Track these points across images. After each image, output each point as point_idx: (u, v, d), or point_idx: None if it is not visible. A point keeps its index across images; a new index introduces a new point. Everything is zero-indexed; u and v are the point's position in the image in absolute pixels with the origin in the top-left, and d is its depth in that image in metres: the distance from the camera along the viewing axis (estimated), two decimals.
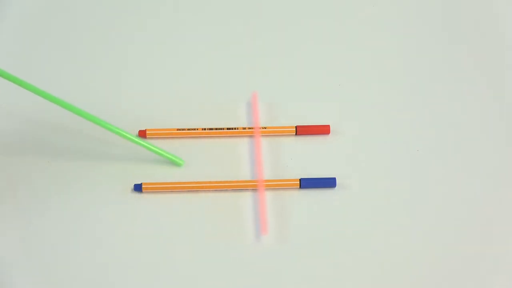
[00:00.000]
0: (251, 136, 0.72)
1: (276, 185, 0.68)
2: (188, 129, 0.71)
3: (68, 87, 0.74)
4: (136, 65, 0.76)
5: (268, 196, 0.68)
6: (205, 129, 0.71)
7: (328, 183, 0.68)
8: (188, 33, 0.79)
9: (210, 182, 0.68)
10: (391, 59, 0.77)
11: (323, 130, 0.71)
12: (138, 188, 0.68)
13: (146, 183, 0.68)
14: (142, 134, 0.71)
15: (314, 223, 0.67)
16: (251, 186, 0.68)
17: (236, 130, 0.71)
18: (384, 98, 0.74)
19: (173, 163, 0.70)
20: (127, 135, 0.67)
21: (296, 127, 0.72)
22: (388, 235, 0.66)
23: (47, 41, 0.78)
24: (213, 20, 0.80)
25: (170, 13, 0.80)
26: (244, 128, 0.71)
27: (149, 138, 0.71)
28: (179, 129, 0.71)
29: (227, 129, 0.71)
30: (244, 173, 0.69)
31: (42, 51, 0.77)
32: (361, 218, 0.67)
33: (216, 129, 0.71)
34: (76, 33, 0.79)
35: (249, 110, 0.73)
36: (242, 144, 0.71)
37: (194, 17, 0.80)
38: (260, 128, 0.71)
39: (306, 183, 0.68)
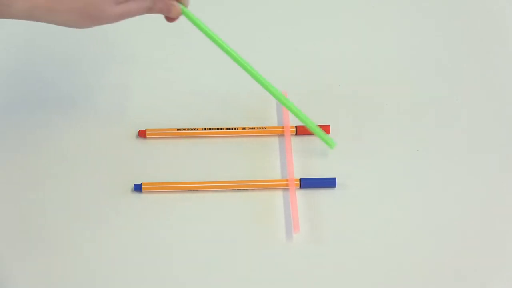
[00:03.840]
0: (250, 137, 0.72)
1: (276, 185, 0.68)
2: (188, 129, 0.71)
3: (69, 88, 0.74)
4: (136, 65, 0.76)
5: (268, 196, 0.68)
6: (205, 129, 0.71)
7: (328, 183, 0.68)
8: (193, 33, 0.79)
9: (210, 182, 0.68)
10: (391, 59, 0.77)
11: (323, 130, 0.71)
12: (138, 188, 0.68)
13: (146, 183, 0.68)
14: (142, 134, 0.71)
15: (314, 223, 0.67)
16: (250, 186, 0.68)
17: (236, 130, 0.71)
18: (384, 98, 0.74)
19: (326, 144, 0.68)
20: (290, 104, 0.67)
21: (296, 127, 0.72)
22: (388, 235, 0.66)
23: (48, 41, 0.78)
24: (215, 18, 0.80)
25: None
26: (244, 128, 0.71)
27: (149, 138, 0.71)
28: (179, 129, 0.71)
29: (227, 129, 0.71)
30: (243, 173, 0.69)
31: (44, 51, 0.77)
32: (361, 218, 0.67)
33: (216, 129, 0.71)
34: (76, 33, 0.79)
35: (247, 109, 0.73)
36: (242, 144, 0.71)
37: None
38: (289, 128, 0.71)
39: (306, 183, 0.68)
